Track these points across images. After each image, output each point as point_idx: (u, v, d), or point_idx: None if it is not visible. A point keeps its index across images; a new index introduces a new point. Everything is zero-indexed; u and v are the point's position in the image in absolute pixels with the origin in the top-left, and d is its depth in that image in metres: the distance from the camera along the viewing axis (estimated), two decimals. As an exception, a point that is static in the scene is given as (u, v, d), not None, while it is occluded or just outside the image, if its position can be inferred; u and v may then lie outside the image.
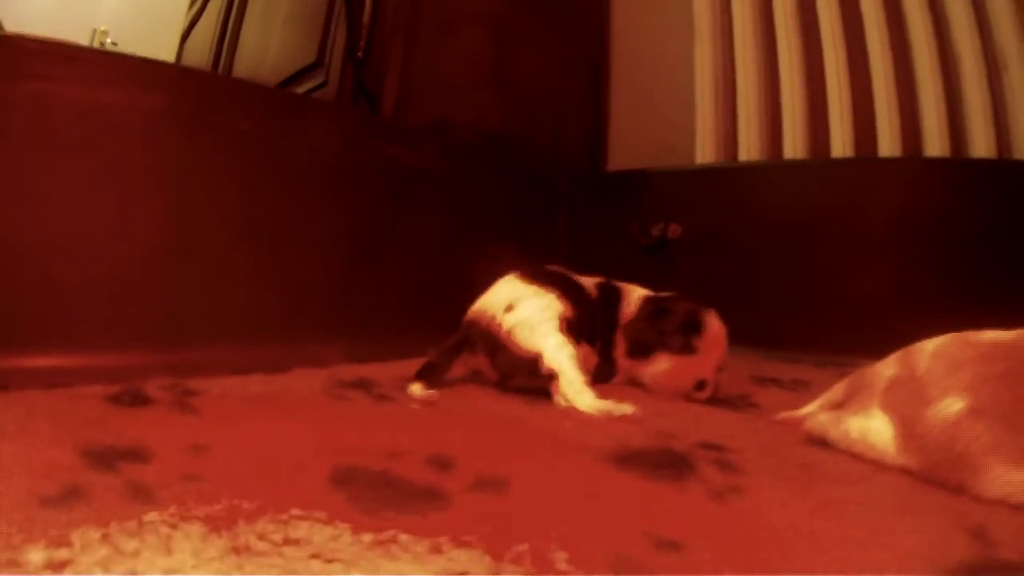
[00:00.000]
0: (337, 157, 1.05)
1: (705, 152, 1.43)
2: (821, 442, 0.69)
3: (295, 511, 0.50)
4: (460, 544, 0.46)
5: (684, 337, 0.93)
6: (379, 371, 0.98)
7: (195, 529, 0.46)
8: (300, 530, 0.47)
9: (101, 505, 0.48)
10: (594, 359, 0.98)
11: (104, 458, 0.57)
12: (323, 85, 1.25)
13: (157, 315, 0.86)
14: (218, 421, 0.72)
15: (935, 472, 0.57)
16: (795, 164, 1.33)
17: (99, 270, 0.83)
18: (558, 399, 0.84)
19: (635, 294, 1.02)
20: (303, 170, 1.02)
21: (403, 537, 0.46)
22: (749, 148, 1.37)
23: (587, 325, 0.96)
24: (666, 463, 0.63)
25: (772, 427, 0.77)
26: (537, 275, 0.97)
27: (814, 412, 0.74)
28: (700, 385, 0.93)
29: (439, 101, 1.27)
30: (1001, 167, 1.15)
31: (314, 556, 0.44)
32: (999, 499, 0.53)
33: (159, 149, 0.87)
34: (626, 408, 0.81)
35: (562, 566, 0.43)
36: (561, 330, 0.90)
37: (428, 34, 1.23)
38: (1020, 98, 1.13)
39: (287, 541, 0.45)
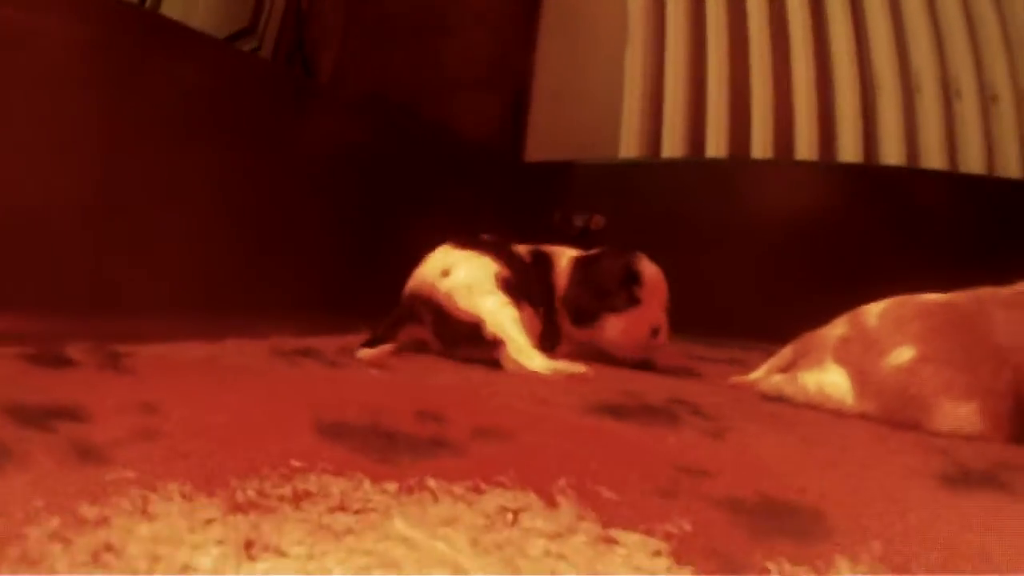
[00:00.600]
0: (274, 120, 0.99)
1: (629, 147, 1.51)
2: (777, 399, 0.75)
3: (295, 463, 0.44)
4: (496, 484, 0.44)
5: (626, 291, 0.94)
6: (319, 343, 0.92)
7: (176, 488, 0.38)
8: (309, 483, 0.41)
9: (42, 468, 0.38)
10: (539, 324, 0.96)
11: (33, 417, 0.48)
12: (256, 50, 1.17)
13: (79, 276, 0.75)
14: (162, 380, 0.63)
15: (892, 414, 0.64)
16: (716, 162, 1.44)
17: (18, 222, 0.71)
18: (508, 364, 0.83)
19: (564, 258, 1.02)
20: (239, 131, 0.95)
21: (432, 482, 0.43)
22: (673, 145, 1.47)
23: (526, 288, 0.94)
24: (652, 412, 0.65)
25: (728, 389, 0.82)
26: (470, 242, 0.96)
27: (764, 376, 0.81)
28: (655, 332, 0.94)
29: (374, 77, 1.24)
30: (909, 175, 1.33)
31: (339, 509, 0.38)
32: (951, 432, 0.61)
33: (94, 90, 0.76)
34: (578, 367, 0.82)
35: (609, 495, 0.43)
36: (500, 289, 0.88)
37: (368, 10, 1.19)
38: (1008, 126, 1.31)
39: (299, 495, 0.39)
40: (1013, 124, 1.33)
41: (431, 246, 0.97)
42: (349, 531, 0.35)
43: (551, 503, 0.42)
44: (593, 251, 1.01)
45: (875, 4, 1.37)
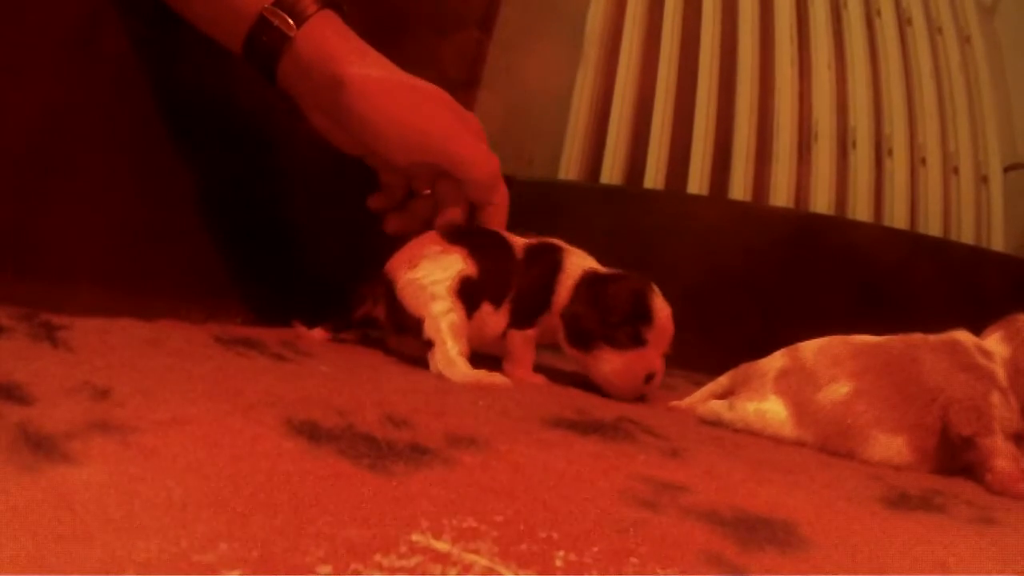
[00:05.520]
0: (227, 94, 0.94)
1: (569, 170, 1.55)
2: (716, 424, 0.79)
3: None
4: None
5: (633, 329, 0.86)
6: (258, 333, 0.88)
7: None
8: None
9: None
10: (502, 321, 0.92)
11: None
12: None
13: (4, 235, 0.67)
14: (105, 360, 0.58)
15: (827, 442, 0.71)
16: (652, 193, 1.52)
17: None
18: (432, 367, 0.84)
19: (577, 267, 0.94)
20: (190, 101, 0.89)
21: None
22: (612, 173, 1.53)
23: (499, 285, 0.91)
24: (608, 429, 0.67)
25: (667, 411, 0.86)
26: (451, 234, 0.92)
27: (700, 401, 0.86)
28: (649, 378, 0.87)
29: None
30: (838, 224, 1.46)
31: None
32: (881, 461, 0.69)
33: (53, 24, 0.69)
34: (497, 378, 0.82)
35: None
36: (453, 290, 0.86)
37: None
38: (933, 186, 1.47)
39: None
40: (938, 185, 1.52)
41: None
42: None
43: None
44: (608, 270, 0.95)
45: (822, 59, 1.52)
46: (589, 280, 0.91)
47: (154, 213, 0.87)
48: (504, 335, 0.93)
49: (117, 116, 0.82)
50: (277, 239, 1.08)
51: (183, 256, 0.91)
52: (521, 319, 0.93)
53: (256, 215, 1.04)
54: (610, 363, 0.86)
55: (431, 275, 0.87)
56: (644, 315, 0.87)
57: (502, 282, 0.92)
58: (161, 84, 0.87)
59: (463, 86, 1.32)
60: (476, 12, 1.35)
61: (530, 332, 0.94)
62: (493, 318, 0.91)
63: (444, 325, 0.84)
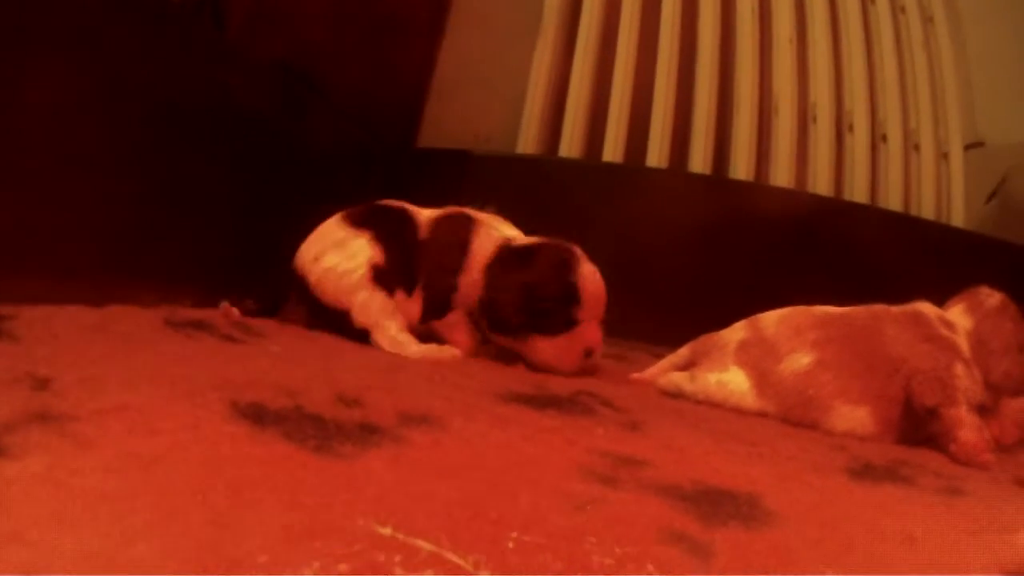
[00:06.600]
0: (176, 76, 0.89)
1: (527, 143, 1.52)
2: (677, 396, 0.78)
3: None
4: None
5: (563, 313, 0.80)
6: (208, 315, 0.85)
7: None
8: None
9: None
10: (416, 308, 0.87)
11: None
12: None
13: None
14: (49, 348, 0.55)
15: (790, 413, 0.70)
16: (611, 166, 1.49)
17: None
18: (382, 347, 0.82)
19: (490, 239, 0.85)
20: (139, 85, 0.84)
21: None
22: (571, 146, 1.50)
23: (406, 271, 0.86)
24: (565, 403, 0.65)
25: (628, 384, 0.85)
26: (358, 216, 0.88)
27: (662, 372, 0.84)
28: (588, 353, 0.82)
29: (283, 40, 1.15)
30: (799, 198, 1.46)
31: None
32: (845, 432, 0.68)
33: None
34: (446, 351, 0.81)
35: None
36: (370, 279, 0.83)
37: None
38: (893, 162, 1.48)
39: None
40: (899, 161, 1.53)
41: (316, 224, 0.92)
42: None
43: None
44: (526, 241, 0.85)
45: (783, 34, 1.51)
46: (504, 257, 0.82)
47: (100, 202, 0.83)
48: (423, 322, 0.87)
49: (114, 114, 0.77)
50: (221, 223, 1.04)
51: (133, 244, 0.87)
52: (434, 311, 0.86)
53: (200, 198, 1.00)
54: (544, 351, 0.80)
55: (342, 264, 0.84)
56: (572, 296, 0.79)
57: (409, 268, 0.86)
58: (110, 76, 0.83)
59: (375, 64, 1.28)
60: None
61: (450, 318, 0.87)
62: (407, 304, 0.87)
63: (375, 308, 0.82)
